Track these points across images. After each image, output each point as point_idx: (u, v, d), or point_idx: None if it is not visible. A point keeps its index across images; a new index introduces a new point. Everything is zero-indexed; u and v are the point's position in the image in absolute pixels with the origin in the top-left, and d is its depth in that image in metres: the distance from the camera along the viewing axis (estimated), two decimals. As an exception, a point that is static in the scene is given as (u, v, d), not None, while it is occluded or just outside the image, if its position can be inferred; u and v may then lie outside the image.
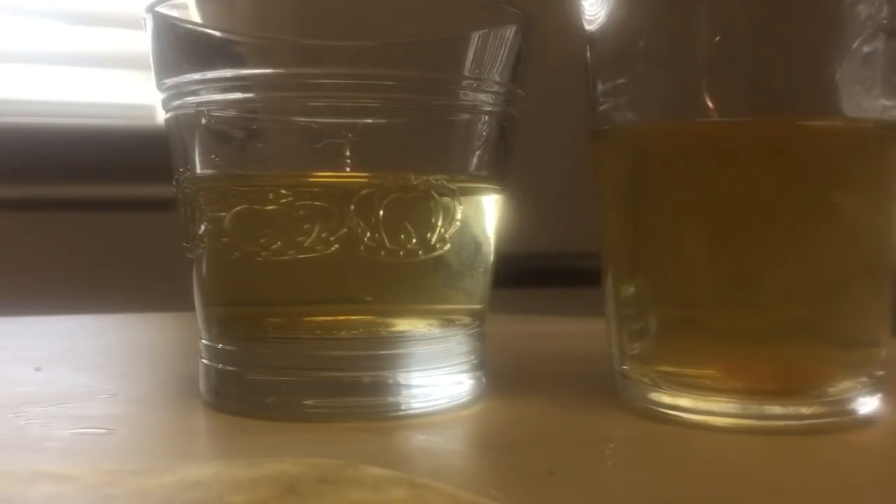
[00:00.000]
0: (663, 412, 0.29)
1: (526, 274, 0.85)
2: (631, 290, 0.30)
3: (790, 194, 0.27)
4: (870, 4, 0.27)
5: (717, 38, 0.28)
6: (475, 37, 0.30)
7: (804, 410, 0.27)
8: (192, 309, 0.31)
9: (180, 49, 0.30)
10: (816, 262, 0.28)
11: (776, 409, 0.27)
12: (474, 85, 0.30)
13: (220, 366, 0.30)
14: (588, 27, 0.30)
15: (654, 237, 0.30)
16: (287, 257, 0.28)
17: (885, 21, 0.27)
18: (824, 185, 0.27)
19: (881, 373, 0.29)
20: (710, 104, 0.28)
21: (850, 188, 0.28)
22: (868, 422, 0.28)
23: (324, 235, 0.28)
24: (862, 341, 0.29)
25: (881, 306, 0.29)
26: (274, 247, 0.28)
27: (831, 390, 0.28)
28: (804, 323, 0.28)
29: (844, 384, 0.28)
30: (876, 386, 0.29)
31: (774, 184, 0.27)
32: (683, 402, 0.28)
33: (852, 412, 0.28)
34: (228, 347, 0.30)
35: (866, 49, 0.27)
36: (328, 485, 0.19)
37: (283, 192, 0.28)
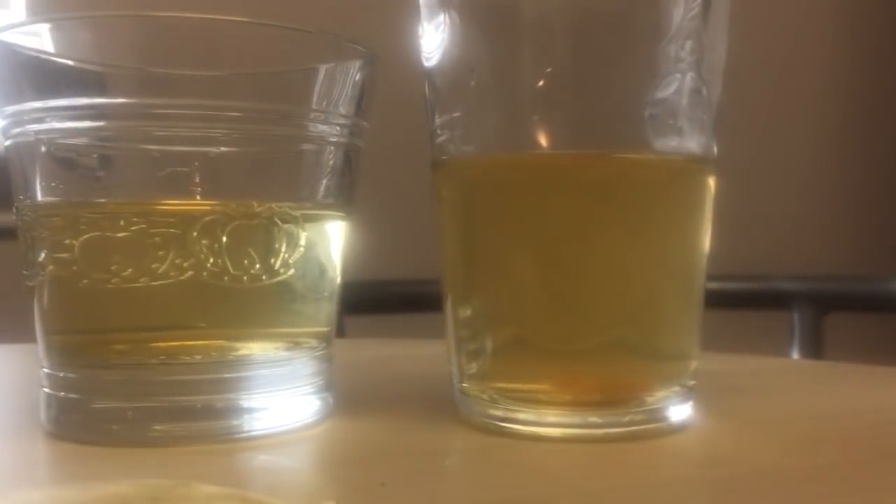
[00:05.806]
0: (500, 425, 0.31)
1: (384, 299, 0.87)
2: (467, 312, 0.32)
3: (608, 222, 0.30)
4: (678, 45, 0.30)
5: (541, 77, 0.30)
6: (321, 71, 0.31)
7: (623, 419, 0.30)
8: (34, 340, 0.31)
9: (23, 76, 0.30)
10: (633, 285, 0.30)
11: (597, 419, 0.30)
12: (321, 117, 0.31)
13: (63, 394, 0.30)
14: (426, 64, 0.32)
15: (486, 262, 0.32)
16: (139, 284, 0.29)
17: (690, 56, 0.30)
18: (638, 214, 0.30)
19: (692, 383, 0.32)
20: (535, 137, 0.30)
21: (660, 216, 0.30)
22: (680, 428, 0.31)
23: (171, 261, 0.28)
24: (675, 355, 0.31)
25: (691, 323, 0.32)
26: (125, 273, 0.29)
27: (648, 399, 0.31)
28: (624, 340, 0.30)
29: (659, 394, 0.31)
30: (687, 395, 0.31)
31: (593, 212, 0.30)
32: (518, 415, 0.30)
33: (666, 419, 0.31)
34: (71, 375, 0.30)
35: (675, 86, 0.30)
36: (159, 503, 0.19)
37: (133, 219, 0.29)
